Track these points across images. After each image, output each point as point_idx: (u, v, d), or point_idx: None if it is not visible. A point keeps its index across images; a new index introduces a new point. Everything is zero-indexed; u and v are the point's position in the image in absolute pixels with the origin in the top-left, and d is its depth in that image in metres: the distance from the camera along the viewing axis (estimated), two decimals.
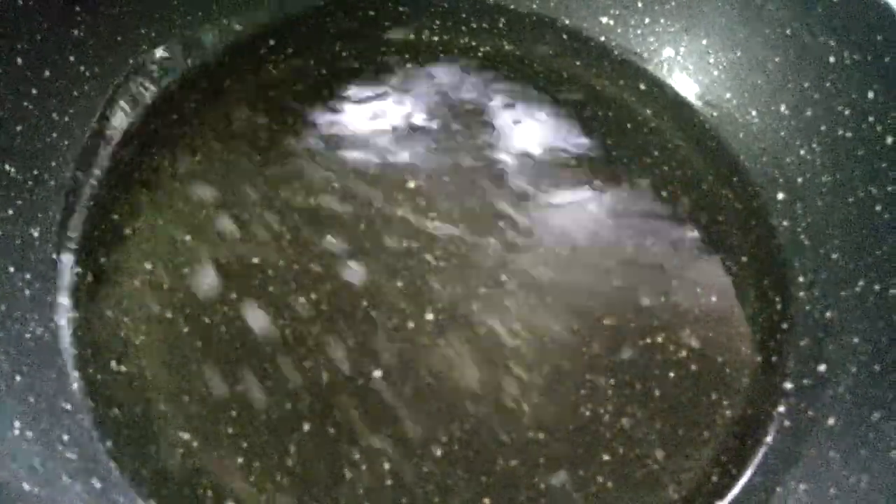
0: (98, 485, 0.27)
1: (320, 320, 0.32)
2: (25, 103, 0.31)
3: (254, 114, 0.37)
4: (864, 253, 0.33)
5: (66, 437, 0.28)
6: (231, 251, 0.33)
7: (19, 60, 0.31)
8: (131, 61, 0.36)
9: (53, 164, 0.33)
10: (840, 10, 0.34)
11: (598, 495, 0.29)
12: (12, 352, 0.28)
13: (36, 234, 0.31)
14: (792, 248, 0.35)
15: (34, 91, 0.32)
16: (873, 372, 0.30)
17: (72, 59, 0.33)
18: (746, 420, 0.31)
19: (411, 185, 0.35)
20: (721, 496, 0.30)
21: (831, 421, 0.30)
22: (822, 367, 0.32)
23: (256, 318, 0.32)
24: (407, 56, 0.39)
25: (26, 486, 0.25)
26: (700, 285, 0.34)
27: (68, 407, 0.29)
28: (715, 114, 0.38)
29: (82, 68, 0.34)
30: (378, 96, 0.38)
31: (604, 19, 0.40)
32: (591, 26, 0.40)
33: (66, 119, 0.33)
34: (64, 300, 0.31)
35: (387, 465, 0.29)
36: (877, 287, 0.32)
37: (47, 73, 0.32)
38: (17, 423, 0.26)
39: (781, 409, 0.31)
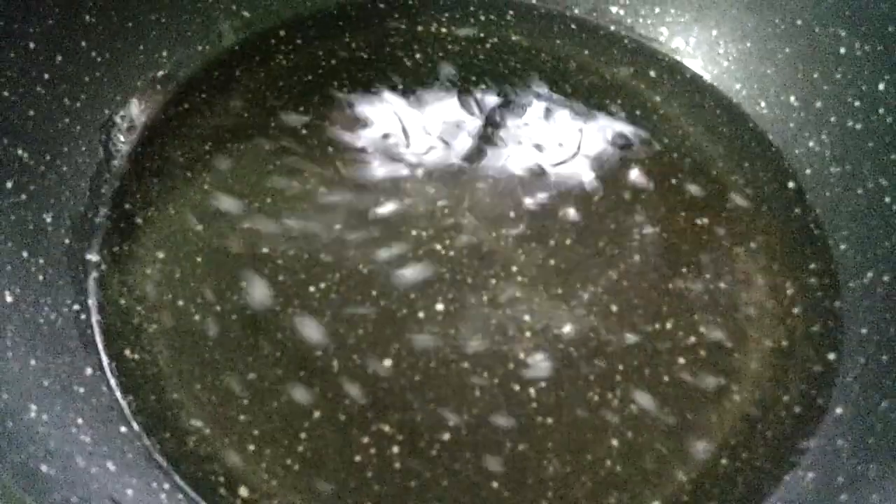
0: (112, 468, 0.27)
1: (331, 309, 0.32)
2: (38, 88, 0.31)
3: (264, 104, 0.37)
4: (872, 244, 0.33)
5: (80, 421, 0.28)
6: (242, 241, 0.33)
7: (32, 45, 0.31)
8: (142, 48, 0.36)
9: (66, 149, 0.33)
10: (851, 1, 0.34)
11: (607, 480, 0.29)
12: (26, 336, 0.28)
13: (49, 220, 0.32)
14: (801, 239, 0.35)
15: (46, 76, 0.32)
16: (881, 362, 0.30)
17: (84, 44, 0.33)
18: (755, 406, 0.31)
19: (419, 173, 0.35)
20: (729, 481, 0.30)
21: (839, 410, 0.30)
22: (831, 356, 0.32)
23: (266, 307, 0.32)
24: (416, 47, 0.39)
25: (43, 468, 0.25)
26: (709, 271, 0.34)
27: (82, 391, 0.29)
28: (725, 104, 0.38)
29: (94, 54, 0.34)
30: (387, 87, 0.38)
31: (614, 9, 0.40)
32: (601, 16, 0.40)
33: (78, 105, 0.33)
34: (76, 287, 0.32)
35: (396, 450, 0.29)
36: (885, 278, 0.32)
37: (59, 59, 0.32)
38: (32, 407, 0.27)
39: (790, 396, 0.31)
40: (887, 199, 0.33)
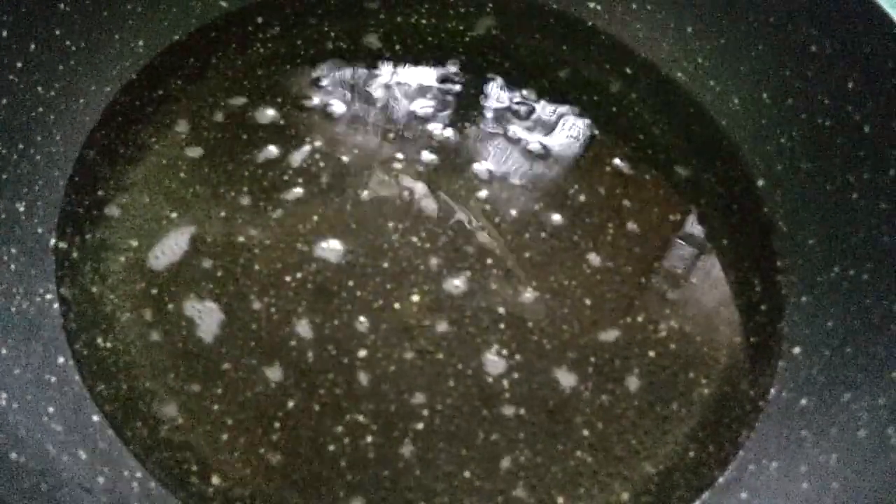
0: (84, 456, 0.28)
1: (306, 299, 0.32)
2: (10, 76, 0.31)
3: (240, 92, 0.37)
4: (839, 239, 0.33)
5: (51, 410, 0.28)
6: (216, 229, 0.33)
7: (4, 33, 0.31)
8: (117, 37, 0.36)
9: (39, 138, 0.32)
10: (822, 0, 0.34)
11: (577, 469, 0.30)
12: None
13: (21, 209, 0.31)
14: (770, 234, 0.35)
15: (19, 64, 0.31)
16: (845, 354, 0.31)
17: (57, 32, 0.33)
18: (723, 399, 0.32)
19: (397, 165, 0.35)
20: (696, 472, 0.30)
21: (804, 401, 0.31)
22: (796, 350, 0.33)
23: (241, 297, 0.32)
24: (395, 38, 0.39)
25: (13, 456, 0.25)
26: (680, 267, 0.34)
27: (54, 380, 0.29)
28: (698, 100, 0.38)
29: (68, 42, 0.33)
30: (364, 78, 0.38)
31: (591, 4, 0.40)
32: (579, 11, 0.40)
33: (52, 93, 0.33)
34: (49, 275, 0.31)
35: (369, 439, 0.30)
36: (851, 272, 0.32)
37: (33, 47, 0.32)
38: (3, 395, 0.27)
39: (757, 389, 0.32)
40: (854, 196, 0.33)
